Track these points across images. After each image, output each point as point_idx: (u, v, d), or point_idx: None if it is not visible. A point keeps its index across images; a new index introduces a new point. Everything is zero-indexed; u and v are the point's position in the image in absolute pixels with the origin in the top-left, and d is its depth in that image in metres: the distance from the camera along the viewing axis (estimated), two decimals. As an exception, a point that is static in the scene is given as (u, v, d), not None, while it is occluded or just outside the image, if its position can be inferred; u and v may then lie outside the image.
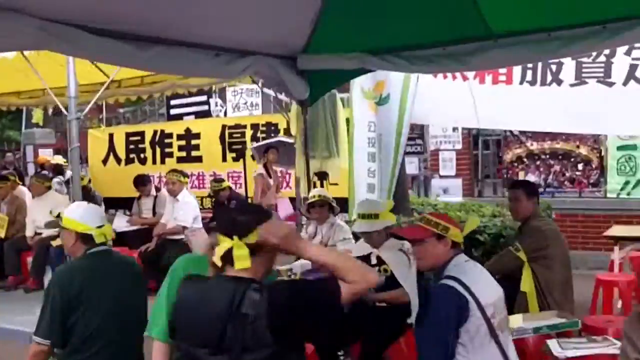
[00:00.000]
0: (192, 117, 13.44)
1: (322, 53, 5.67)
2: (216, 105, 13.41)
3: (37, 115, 14.18)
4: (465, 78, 6.41)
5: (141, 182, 8.94)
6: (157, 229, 7.73)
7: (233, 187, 10.88)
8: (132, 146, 12.25)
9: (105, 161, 12.49)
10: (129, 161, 12.27)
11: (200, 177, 11.43)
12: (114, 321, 3.47)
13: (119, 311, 3.51)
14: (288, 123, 10.42)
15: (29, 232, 8.71)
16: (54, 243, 8.20)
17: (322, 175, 7.57)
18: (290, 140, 7.50)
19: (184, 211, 7.50)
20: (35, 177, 8.91)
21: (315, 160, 7.47)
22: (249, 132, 10.96)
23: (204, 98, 13.30)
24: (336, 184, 7.93)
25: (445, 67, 5.31)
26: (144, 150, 12.09)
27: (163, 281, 3.23)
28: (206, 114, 13.30)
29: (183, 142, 11.68)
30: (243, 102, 13.11)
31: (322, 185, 7.65)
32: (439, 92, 6.55)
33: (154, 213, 8.85)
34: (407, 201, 7.42)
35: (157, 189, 9.16)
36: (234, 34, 5.09)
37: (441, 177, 9.82)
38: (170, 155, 11.80)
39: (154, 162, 11.96)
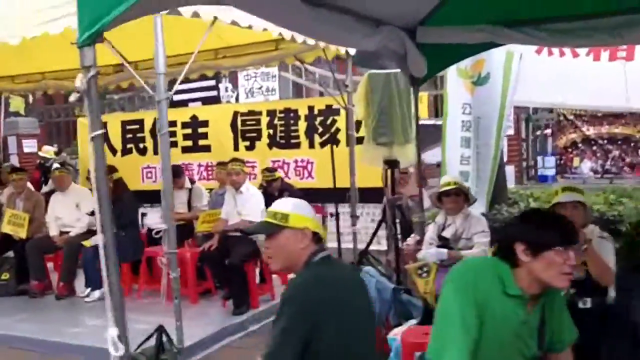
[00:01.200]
0: (199, 103, 12.55)
1: (444, 25, 5.12)
2: (226, 91, 12.53)
3: (16, 103, 13.03)
4: (575, 55, 5.97)
5: (175, 173, 8.09)
6: (217, 226, 6.96)
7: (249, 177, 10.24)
8: (129, 135, 11.32)
9: (97, 152, 11.49)
10: (126, 152, 11.35)
11: (208, 168, 10.66)
12: (360, 342, 2.81)
13: (364, 329, 2.85)
14: (311, 108, 9.93)
15: (53, 231, 7.78)
16: (87, 243, 7.42)
17: (392, 164, 6.97)
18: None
19: (250, 204, 6.76)
20: (59, 169, 7.94)
21: (385, 147, 6.92)
22: (264, 119, 10.24)
23: (212, 83, 12.39)
24: (405, 173, 7.39)
25: (595, 41, 4.84)
26: (143, 139, 11.19)
27: (446, 295, 2.62)
28: (215, 100, 12.42)
29: (189, 131, 10.86)
30: (257, 86, 12.31)
31: (392, 175, 7.04)
32: (544, 70, 6.09)
33: (189, 207, 8.07)
34: (507, 190, 6.92)
35: (192, 182, 8.36)
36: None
37: (491, 163, 9.36)
38: (175, 144, 10.91)
39: (156, 152, 11.03)
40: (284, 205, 2.87)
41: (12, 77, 9.58)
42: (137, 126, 11.23)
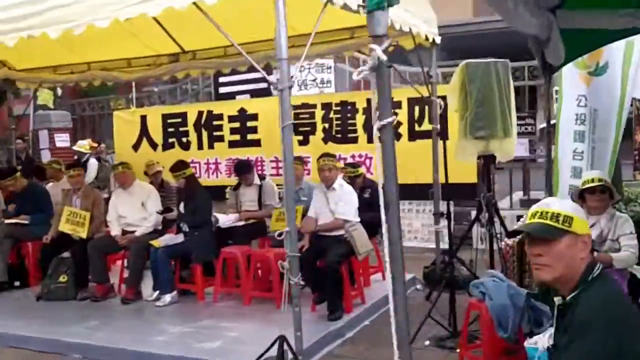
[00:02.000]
0: (247, 96, 12.01)
1: (583, 8, 4.70)
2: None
3: (44, 96, 12.44)
4: None
5: (246, 169, 7.64)
6: (308, 225, 6.44)
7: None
8: (171, 129, 10.86)
9: (136, 147, 11.03)
10: (167, 146, 10.88)
11: (258, 163, 10.16)
12: None
13: None
14: (369, 101, 9.46)
15: (115, 231, 7.28)
16: (156, 243, 6.92)
17: (489, 159, 6.55)
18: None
19: (344, 202, 6.29)
20: (122, 165, 7.42)
21: (481, 141, 6.46)
22: (319, 113, 9.83)
23: (261, 75, 11.72)
24: (502, 169, 6.97)
25: None
26: (186, 133, 10.74)
27: None
28: (265, 93, 11.87)
29: (236, 124, 10.41)
30: (311, 79, 11.76)
31: (488, 171, 6.61)
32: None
33: (260, 205, 7.59)
34: (622, 187, 6.50)
35: (262, 178, 7.84)
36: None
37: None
38: (221, 139, 10.51)
39: (200, 147, 10.64)
40: (564, 206, 2.48)
41: (54, 67, 9.04)
42: (179, 120, 10.77)
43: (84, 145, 10.82)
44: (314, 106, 9.85)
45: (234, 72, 9.45)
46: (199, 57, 8.45)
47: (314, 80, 11.75)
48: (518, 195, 10.30)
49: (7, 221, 7.84)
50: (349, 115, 9.64)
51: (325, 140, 9.75)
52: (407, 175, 8.82)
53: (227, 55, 8.29)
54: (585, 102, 5.84)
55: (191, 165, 10.53)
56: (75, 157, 10.89)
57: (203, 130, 10.58)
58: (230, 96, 12.16)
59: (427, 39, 6.95)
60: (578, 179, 5.95)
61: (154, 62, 8.68)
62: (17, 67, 9.17)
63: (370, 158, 9.39)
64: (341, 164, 6.80)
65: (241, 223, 7.46)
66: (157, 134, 10.89)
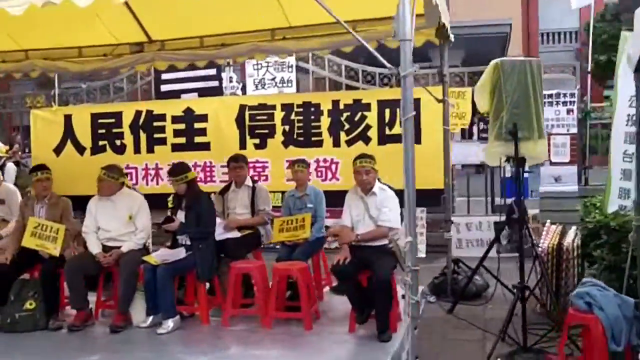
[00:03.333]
0: (195, 95, 10.86)
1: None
2: (230, 81, 10.91)
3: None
4: None
5: (242, 159, 6.89)
6: (347, 235, 5.69)
7: (257, 179, 9.07)
8: (102, 130, 9.59)
9: (58, 150, 9.67)
10: (97, 150, 9.59)
11: (207, 169, 9.25)
12: None
13: None
14: (335, 102, 8.89)
15: (95, 247, 6.15)
16: (151, 260, 5.92)
17: (519, 162, 6.25)
18: None
19: (388, 207, 5.61)
20: (107, 172, 6.26)
21: (512, 144, 6.15)
22: (279, 114, 9.05)
23: (212, 72, 10.74)
24: (531, 172, 6.68)
25: None
26: (121, 135, 9.52)
27: None
28: (216, 92, 10.80)
29: (181, 126, 9.37)
30: (270, 77, 10.84)
31: (517, 173, 6.28)
32: None
33: (252, 211, 6.80)
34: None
35: (254, 180, 7.00)
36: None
37: (552, 164, 8.86)
38: (163, 141, 9.41)
39: (137, 150, 9.47)
40: None
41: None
42: (112, 120, 9.53)
43: (0, 148, 9.32)
44: (273, 107, 9.07)
45: (179, 68, 8.53)
46: (169, 47, 7.48)
47: (273, 79, 10.94)
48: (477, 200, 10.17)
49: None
50: (312, 117, 8.97)
51: (285, 144, 9.01)
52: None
53: (203, 47, 7.40)
54: (636, 103, 5.66)
55: (127, 170, 9.48)
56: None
57: (141, 132, 9.44)
58: (174, 95, 11.03)
59: (448, 36, 6.52)
60: (628, 181, 5.77)
61: (111, 51, 7.58)
62: None
63: (337, 163, 8.81)
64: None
65: (237, 234, 6.61)
66: (84, 136, 9.58)
